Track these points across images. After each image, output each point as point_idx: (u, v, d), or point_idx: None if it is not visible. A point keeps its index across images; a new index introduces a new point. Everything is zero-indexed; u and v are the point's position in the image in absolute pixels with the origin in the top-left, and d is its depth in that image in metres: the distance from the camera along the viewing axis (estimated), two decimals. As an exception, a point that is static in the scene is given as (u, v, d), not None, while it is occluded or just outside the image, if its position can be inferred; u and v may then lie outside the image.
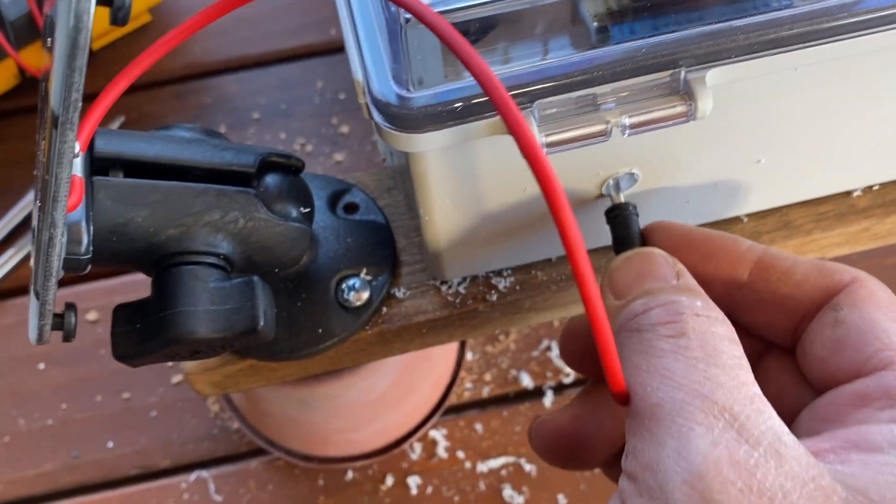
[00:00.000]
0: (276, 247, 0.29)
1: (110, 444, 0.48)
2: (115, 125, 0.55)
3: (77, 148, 0.22)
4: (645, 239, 0.28)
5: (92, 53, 0.57)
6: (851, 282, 0.24)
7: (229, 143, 0.30)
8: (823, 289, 0.24)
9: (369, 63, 0.24)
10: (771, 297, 0.25)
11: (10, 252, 0.52)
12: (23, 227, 0.53)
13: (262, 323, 0.27)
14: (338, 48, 0.58)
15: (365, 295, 0.33)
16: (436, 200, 0.29)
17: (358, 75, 0.24)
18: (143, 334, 0.27)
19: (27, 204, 0.53)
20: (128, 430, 0.48)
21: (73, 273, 0.25)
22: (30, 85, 0.57)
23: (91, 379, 0.49)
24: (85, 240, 0.25)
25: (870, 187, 0.35)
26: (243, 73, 0.57)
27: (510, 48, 0.25)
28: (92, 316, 0.51)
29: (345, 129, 0.55)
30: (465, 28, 0.25)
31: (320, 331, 0.32)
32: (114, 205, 0.26)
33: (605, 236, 0.33)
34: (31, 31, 0.52)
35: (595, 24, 0.25)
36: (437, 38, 0.24)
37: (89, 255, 0.25)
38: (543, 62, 0.24)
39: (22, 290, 0.52)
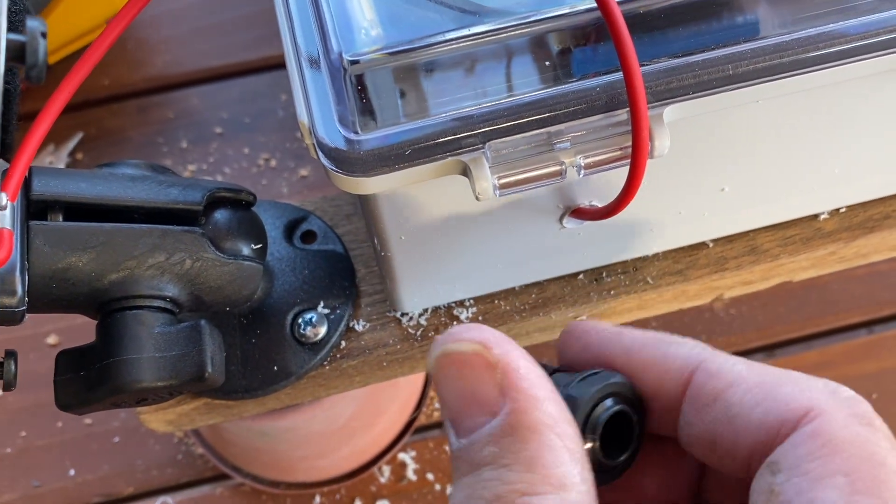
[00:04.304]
0: (226, 286, 0.28)
1: (72, 472, 0.47)
2: (73, 142, 0.54)
3: (4, 200, 0.21)
4: (563, 345, 0.22)
5: (49, 68, 0.55)
6: (802, 419, 0.17)
7: (177, 178, 0.29)
8: (767, 427, 0.17)
9: (314, 105, 0.23)
10: (705, 430, 0.19)
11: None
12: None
13: (209, 370, 0.26)
14: (303, 59, 0.57)
15: (322, 330, 0.32)
16: (391, 237, 0.28)
17: (303, 117, 0.23)
18: (86, 383, 0.26)
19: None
20: (90, 458, 0.47)
21: (8, 325, 0.24)
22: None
23: (51, 405, 0.47)
24: (20, 291, 0.24)
25: (836, 210, 0.34)
26: (206, 87, 0.56)
27: (463, 86, 0.24)
28: (52, 339, 0.50)
29: (310, 142, 0.54)
30: (416, 66, 0.24)
31: (276, 368, 0.31)
32: (52, 250, 0.25)
33: (565, 264, 0.33)
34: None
35: (551, 60, 0.24)
36: (392, 78, 0.24)
37: (24, 306, 0.24)
38: (496, 101, 0.24)
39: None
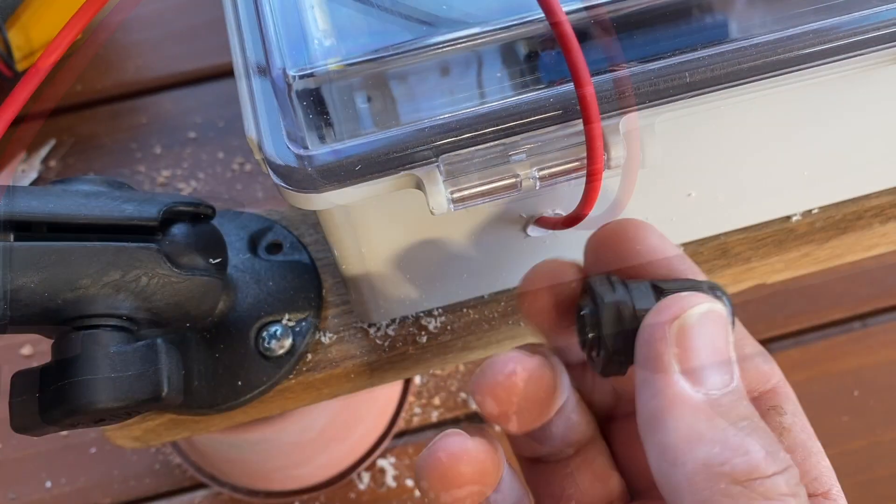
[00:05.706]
0: (185, 302, 0.28)
1: (48, 484, 0.46)
2: (45, 150, 0.53)
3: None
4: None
5: (18, 75, 0.55)
6: (782, 385, 0.24)
7: (134, 193, 0.29)
8: (765, 376, 0.24)
9: (262, 120, 0.23)
10: None
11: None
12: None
13: (165, 390, 0.25)
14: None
15: (287, 342, 0.31)
16: (350, 251, 0.28)
17: (251, 132, 0.23)
18: (42, 404, 0.26)
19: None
20: (67, 469, 0.47)
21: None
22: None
23: (27, 416, 0.48)
24: (-33, 314, 0.23)
25: (809, 211, 0.34)
26: (179, 91, 0.56)
27: (417, 98, 0.24)
28: (27, 350, 0.49)
29: (285, 146, 0.54)
30: (369, 78, 0.23)
31: (240, 383, 0.30)
32: (2, 271, 0.25)
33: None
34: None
35: (507, 70, 0.24)
36: (344, 91, 0.23)
37: (-26, 329, 0.24)
38: (449, 113, 0.23)
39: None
